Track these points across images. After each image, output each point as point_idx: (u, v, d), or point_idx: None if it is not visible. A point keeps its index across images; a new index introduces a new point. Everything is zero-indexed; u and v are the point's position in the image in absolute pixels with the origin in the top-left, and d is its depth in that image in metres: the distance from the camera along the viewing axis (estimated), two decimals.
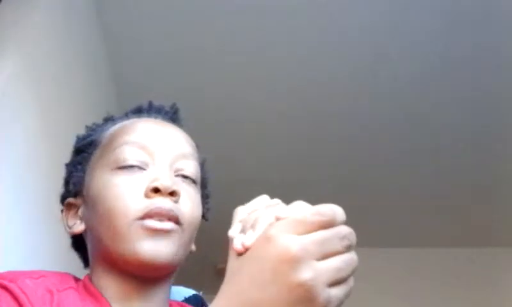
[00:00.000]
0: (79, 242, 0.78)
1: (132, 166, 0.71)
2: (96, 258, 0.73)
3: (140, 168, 0.71)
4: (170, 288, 0.76)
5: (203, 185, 0.81)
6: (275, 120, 2.23)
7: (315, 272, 0.44)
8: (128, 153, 0.72)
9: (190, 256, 0.76)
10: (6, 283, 0.63)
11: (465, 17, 1.83)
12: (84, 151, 0.78)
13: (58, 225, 0.79)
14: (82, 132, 0.83)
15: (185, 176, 0.73)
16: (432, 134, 2.29)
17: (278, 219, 0.48)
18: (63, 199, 0.78)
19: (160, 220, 0.67)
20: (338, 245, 0.46)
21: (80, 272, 0.81)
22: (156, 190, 0.68)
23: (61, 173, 0.80)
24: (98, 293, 0.70)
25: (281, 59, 1.99)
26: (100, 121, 0.83)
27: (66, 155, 0.81)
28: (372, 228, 2.76)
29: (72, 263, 0.81)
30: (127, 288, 0.70)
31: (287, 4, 1.82)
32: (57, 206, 0.80)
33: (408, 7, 1.81)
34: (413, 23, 1.87)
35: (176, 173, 0.73)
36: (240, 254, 0.48)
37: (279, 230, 0.46)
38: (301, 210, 0.48)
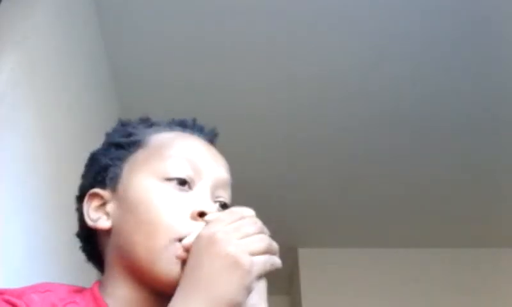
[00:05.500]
0: (90, 237, 0.76)
1: (180, 180, 0.72)
2: (115, 262, 0.73)
3: (187, 185, 0.73)
4: None
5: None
6: (275, 120, 2.22)
7: (237, 245, 0.61)
8: (180, 167, 0.73)
9: None
10: (13, 299, 0.64)
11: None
12: (124, 149, 0.77)
13: (57, 227, 0.78)
14: (81, 133, 0.82)
15: (222, 206, 0.75)
16: (431, 133, 2.29)
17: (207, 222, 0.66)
18: (87, 188, 0.76)
19: None
20: (251, 229, 0.63)
21: (80, 273, 0.80)
22: (202, 215, 0.70)
23: (61, 174, 0.80)
24: (104, 303, 0.69)
25: (281, 58, 1.99)
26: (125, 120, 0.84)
27: (66, 156, 0.80)
28: (373, 229, 2.76)
29: (72, 265, 0.80)
30: (140, 299, 0.70)
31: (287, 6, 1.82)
32: (56, 209, 0.79)
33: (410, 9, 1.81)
34: (413, 25, 1.86)
35: (215, 199, 0.75)
36: (182, 258, 0.67)
37: (206, 228, 0.65)
38: (222, 212, 0.68)
